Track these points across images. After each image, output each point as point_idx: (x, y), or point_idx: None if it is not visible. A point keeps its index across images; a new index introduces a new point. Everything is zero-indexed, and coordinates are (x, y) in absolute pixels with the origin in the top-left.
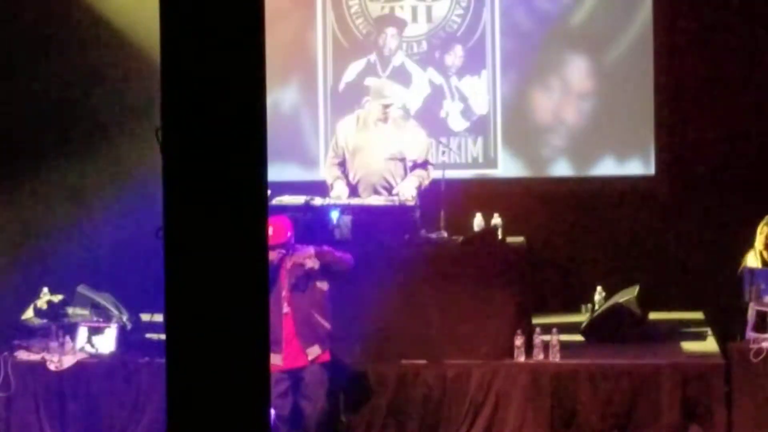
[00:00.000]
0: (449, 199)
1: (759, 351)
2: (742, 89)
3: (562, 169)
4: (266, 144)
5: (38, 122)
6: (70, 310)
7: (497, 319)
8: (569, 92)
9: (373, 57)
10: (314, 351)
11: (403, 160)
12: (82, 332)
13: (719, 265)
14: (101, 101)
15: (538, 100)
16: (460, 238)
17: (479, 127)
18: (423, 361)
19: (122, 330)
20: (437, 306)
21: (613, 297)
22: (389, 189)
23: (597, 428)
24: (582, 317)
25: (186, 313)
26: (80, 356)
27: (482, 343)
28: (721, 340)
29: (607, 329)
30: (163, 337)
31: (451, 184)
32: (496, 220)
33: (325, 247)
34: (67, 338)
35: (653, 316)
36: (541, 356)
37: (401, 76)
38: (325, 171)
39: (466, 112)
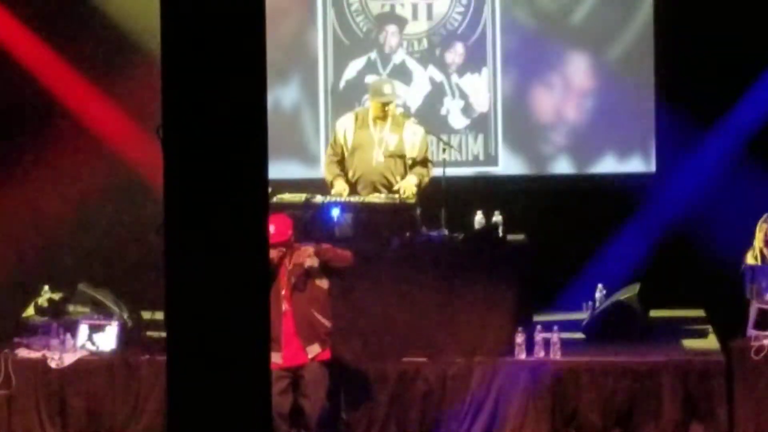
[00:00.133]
0: (450, 197)
1: (760, 348)
2: (742, 87)
3: (562, 166)
4: (267, 142)
5: (38, 121)
6: (70, 308)
7: (498, 317)
8: (570, 90)
9: (373, 55)
10: (314, 349)
11: (402, 157)
12: (83, 330)
13: (720, 263)
14: (103, 98)
15: (539, 98)
16: (461, 236)
17: (480, 124)
18: (423, 359)
19: (123, 327)
20: (438, 304)
21: (614, 295)
22: (388, 187)
23: (598, 426)
24: (583, 315)
25: (187, 310)
26: (81, 354)
27: (483, 340)
28: (722, 337)
29: (608, 327)
30: (163, 334)
31: (452, 181)
32: (497, 217)
33: (325, 245)
34: (68, 336)
35: (654, 313)
36: (542, 354)
37: (402, 74)
38: (324, 169)
39: (467, 110)
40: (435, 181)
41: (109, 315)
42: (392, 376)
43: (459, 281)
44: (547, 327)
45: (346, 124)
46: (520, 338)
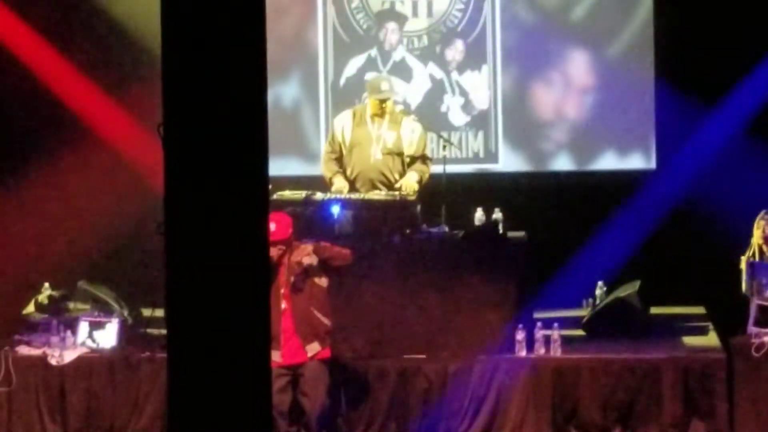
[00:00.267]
0: (450, 194)
1: (760, 345)
2: (743, 83)
3: (563, 163)
4: (267, 139)
5: (39, 119)
6: (71, 305)
7: (498, 314)
8: (570, 87)
9: (373, 52)
10: (313, 348)
11: (400, 155)
12: (83, 327)
13: (721, 260)
14: (103, 97)
15: (539, 95)
16: (461, 233)
17: (480, 121)
18: (424, 356)
19: (123, 325)
20: (438, 301)
21: (614, 291)
22: (386, 184)
23: (598, 423)
24: (583, 312)
25: (187, 308)
26: (81, 351)
27: (483, 337)
28: (723, 334)
29: (608, 324)
30: (164, 332)
31: (452, 178)
32: (497, 214)
33: (324, 243)
34: (68, 333)
35: (654, 310)
36: (542, 351)
37: (402, 71)
38: (323, 166)
39: (467, 107)
40: (435, 178)
41: (109, 312)
42: (392, 373)
43: (459, 278)
44: (548, 324)
45: (343, 122)
46: (520, 335)
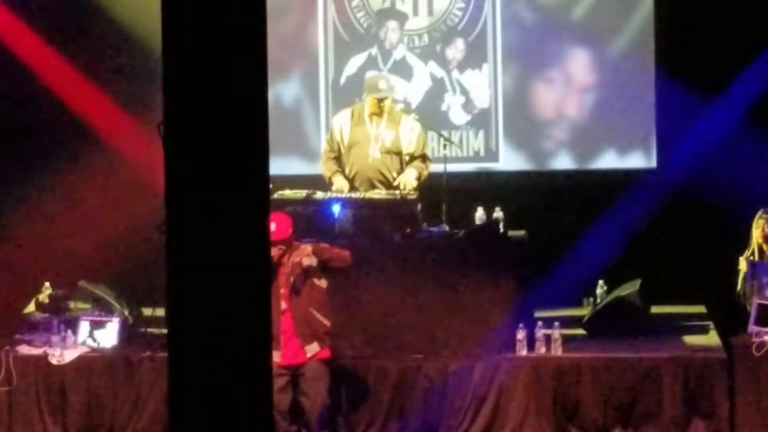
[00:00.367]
0: (451, 193)
1: (761, 344)
2: (743, 81)
3: (563, 162)
4: (268, 138)
5: (39, 118)
6: (71, 305)
7: (499, 313)
8: (571, 85)
9: (374, 50)
10: (313, 348)
11: (399, 154)
12: (84, 326)
13: (721, 259)
14: (103, 96)
15: (540, 94)
16: (462, 232)
17: (480, 120)
18: (424, 355)
19: (124, 324)
20: (439, 300)
21: (615, 290)
22: (385, 183)
23: (599, 422)
24: (584, 311)
25: (188, 307)
26: (82, 350)
27: (484, 336)
28: (724, 333)
29: (609, 323)
30: (164, 331)
31: (453, 177)
32: (498, 213)
33: (323, 244)
34: (69, 332)
35: (655, 309)
36: (543, 350)
37: (402, 70)
38: (322, 166)
39: (468, 106)
40: (436, 177)
41: (110, 311)
42: (393, 372)
43: (460, 277)
44: (548, 323)
45: (342, 121)
46: (521, 334)
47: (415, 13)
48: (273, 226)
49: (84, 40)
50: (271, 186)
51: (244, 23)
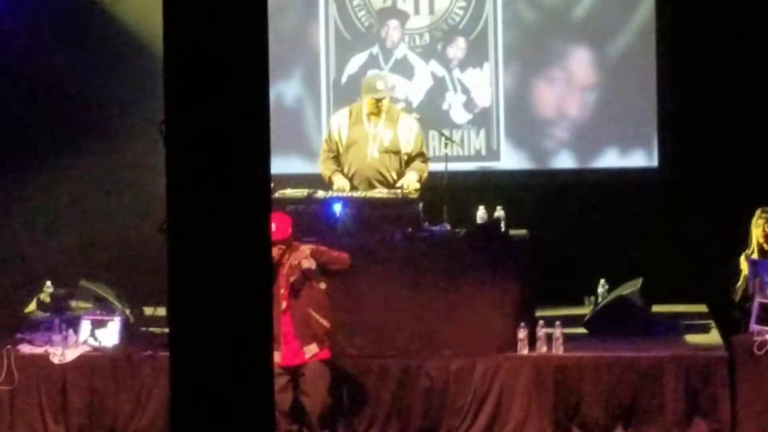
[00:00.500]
0: (452, 192)
1: (763, 343)
2: (745, 80)
3: (565, 161)
4: (269, 137)
5: (41, 117)
6: (73, 304)
7: (500, 312)
8: (572, 84)
9: (375, 49)
10: (311, 349)
11: (397, 153)
12: (85, 325)
13: (723, 258)
14: (104, 95)
15: (541, 93)
16: (463, 231)
17: (482, 119)
18: (426, 354)
19: (125, 323)
20: (440, 299)
21: (616, 289)
22: (384, 182)
23: (600, 421)
24: (585, 310)
25: (189, 306)
26: (83, 349)
27: (485, 335)
28: (725, 332)
29: (610, 322)
30: (166, 330)
31: (454, 176)
32: (499, 212)
33: (322, 247)
34: (70, 331)
35: (657, 308)
36: (544, 349)
37: (403, 69)
38: (321, 165)
39: (469, 105)
40: (437, 176)
41: (111, 311)
42: (394, 371)
43: (461, 276)
44: (550, 322)
45: (340, 120)
46: (522, 333)
47: (417, 12)
48: (273, 226)
49: (83, 38)
50: (272, 185)
51: (245, 22)
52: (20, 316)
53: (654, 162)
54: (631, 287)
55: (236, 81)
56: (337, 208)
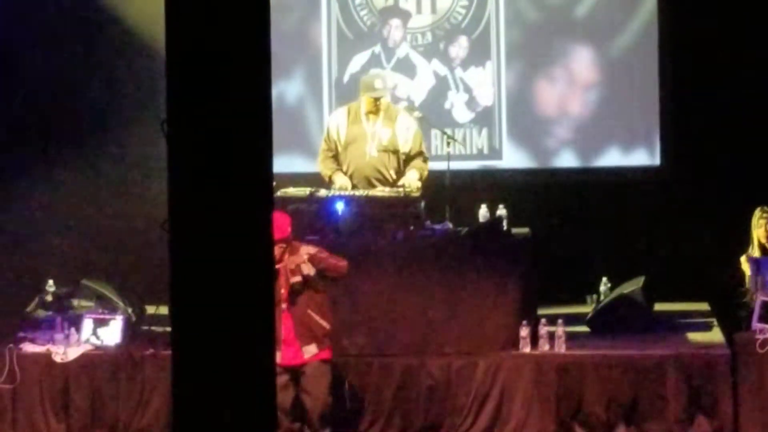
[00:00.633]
0: (454, 191)
1: (765, 341)
2: (747, 78)
3: (567, 160)
4: (272, 136)
5: (42, 116)
6: (75, 302)
7: (502, 311)
8: (574, 83)
9: (377, 49)
10: (310, 350)
11: (396, 152)
12: (88, 324)
13: (725, 256)
14: (105, 94)
15: (543, 91)
16: (466, 230)
17: (484, 118)
18: (428, 353)
19: (127, 322)
20: (442, 297)
21: (618, 288)
22: (383, 181)
23: (602, 419)
24: (587, 308)
25: (191, 305)
26: (85, 348)
27: (487, 334)
28: (727, 330)
29: (612, 320)
30: (168, 329)
31: (456, 175)
32: (501, 211)
33: (322, 253)
34: (73, 330)
35: (659, 306)
36: (546, 347)
37: (406, 68)
38: (320, 164)
39: (471, 104)
40: (439, 175)
41: (113, 309)
42: (396, 369)
43: (463, 275)
44: (552, 320)
45: (338, 119)
46: (524, 332)
47: (419, 11)
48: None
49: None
50: (274, 184)
51: (248, 21)
52: (22, 315)
53: (656, 160)
54: (633, 285)
55: (238, 80)
56: (339, 206)
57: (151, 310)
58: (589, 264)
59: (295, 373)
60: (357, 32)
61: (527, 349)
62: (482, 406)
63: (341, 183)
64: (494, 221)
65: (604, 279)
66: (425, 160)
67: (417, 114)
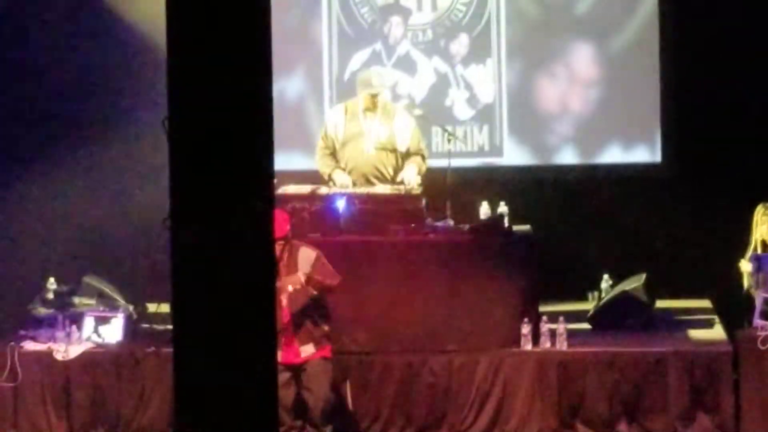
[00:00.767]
0: (455, 188)
1: (766, 338)
2: (748, 75)
3: (568, 157)
4: (272, 133)
5: (43, 114)
6: (76, 300)
7: (504, 308)
8: (575, 80)
9: (378, 46)
10: (308, 350)
11: (393, 150)
12: (89, 322)
13: (726, 253)
14: (108, 92)
15: (544, 88)
16: (467, 227)
17: (485, 115)
18: (429, 350)
19: (129, 319)
20: (444, 295)
21: (619, 285)
22: (381, 178)
23: (604, 416)
24: (589, 305)
25: (193, 302)
26: (87, 346)
27: (489, 331)
28: (729, 327)
29: (614, 317)
30: (169, 327)
31: (457, 172)
32: (503, 208)
33: (316, 275)
34: (74, 328)
35: (660, 303)
36: (548, 344)
37: (406, 65)
38: (319, 162)
39: (472, 101)
40: (440, 172)
41: (114, 307)
42: (398, 367)
43: (464, 272)
44: (553, 317)
45: (336, 117)
46: (525, 329)
47: (419, 8)
48: None
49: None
50: (275, 181)
51: (249, 18)
52: (23, 313)
53: (657, 157)
54: (634, 282)
55: (239, 77)
56: (341, 203)
57: (152, 307)
58: (590, 261)
59: (297, 370)
60: (357, 30)
61: (529, 347)
62: (484, 404)
63: (342, 181)
64: (495, 218)
65: (606, 276)
66: (424, 159)
67: (417, 112)
